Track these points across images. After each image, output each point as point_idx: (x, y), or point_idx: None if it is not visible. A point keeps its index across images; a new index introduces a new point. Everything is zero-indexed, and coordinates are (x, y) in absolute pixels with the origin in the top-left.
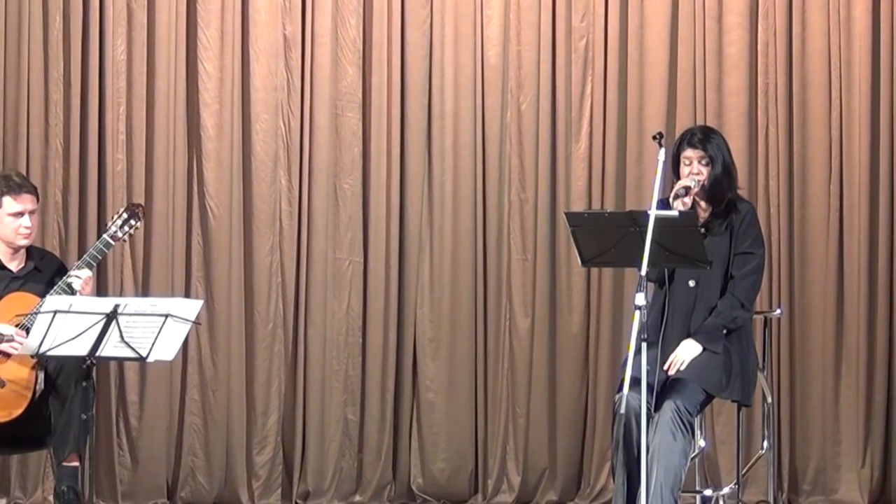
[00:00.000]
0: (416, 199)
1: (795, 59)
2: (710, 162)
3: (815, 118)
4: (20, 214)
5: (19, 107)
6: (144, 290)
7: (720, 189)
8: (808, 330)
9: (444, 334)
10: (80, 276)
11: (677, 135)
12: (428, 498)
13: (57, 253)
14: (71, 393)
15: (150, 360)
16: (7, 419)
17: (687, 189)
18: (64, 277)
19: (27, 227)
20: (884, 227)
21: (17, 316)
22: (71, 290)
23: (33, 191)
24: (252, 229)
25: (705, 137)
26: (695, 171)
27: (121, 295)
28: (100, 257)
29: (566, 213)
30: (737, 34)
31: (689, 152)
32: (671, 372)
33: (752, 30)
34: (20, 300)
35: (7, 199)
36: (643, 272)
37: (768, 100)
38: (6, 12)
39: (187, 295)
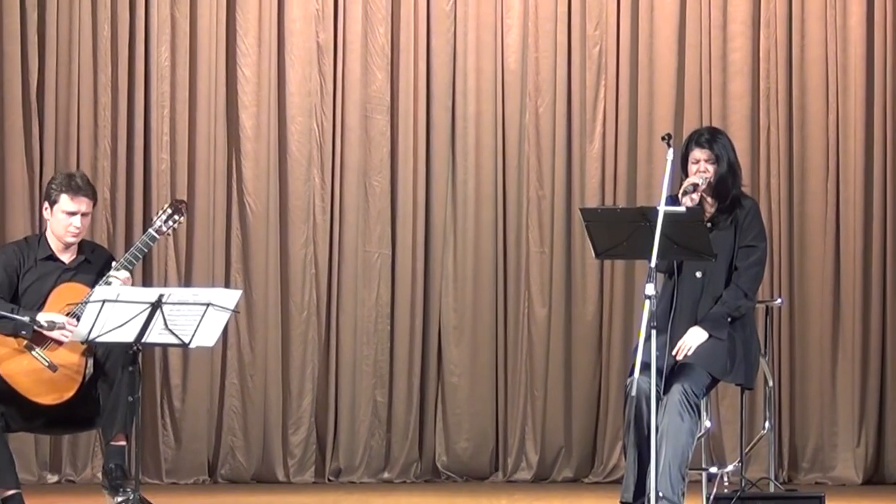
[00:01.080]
0: (441, 196)
1: (795, 65)
2: (717, 160)
3: (814, 120)
4: (73, 214)
5: (70, 109)
6: (187, 281)
7: (725, 186)
8: (806, 318)
9: (467, 322)
10: (119, 278)
11: (685, 136)
12: (452, 475)
13: (105, 246)
14: (118, 377)
15: (192, 346)
16: (59, 401)
17: (695, 186)
18: (105, 276)
19: (77, 228)
20: (878, 222)
21: (68, 305)
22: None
23: (91, 196)
24: (287, 223)
25: (712, 138)
26: (702, 169)
27: (165, 285)
28: (146, 250)
29: (581, 209)
30: (740, 42)
31: (696, 152)
32: (679, 357)
33: (754, 38)
34: (71, 290)
35: (64, 197)
36: (653, 264)
37: (769, 103)
38: (58, 21)
39: (227, 285)
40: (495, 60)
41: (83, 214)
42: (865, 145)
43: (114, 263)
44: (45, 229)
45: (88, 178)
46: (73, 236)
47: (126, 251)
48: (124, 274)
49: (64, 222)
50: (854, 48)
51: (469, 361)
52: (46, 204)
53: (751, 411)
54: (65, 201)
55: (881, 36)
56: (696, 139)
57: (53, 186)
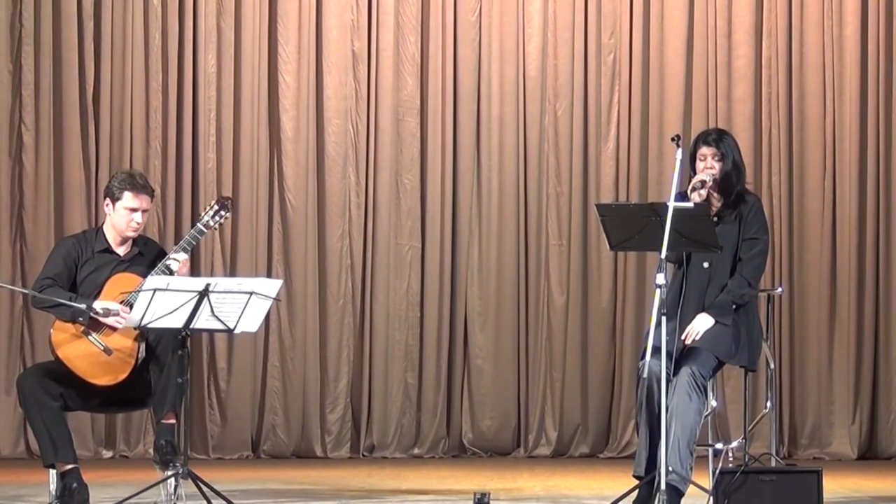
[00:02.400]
0: (467, 193)
1: (794, 72)
2: (722, 158)
3: (812, 123)
4: (134, 210)
5: (123, 112)
6: (232, 271)
7: (730, 182)
8: (805, 306)
9: (491, 309)
10: (178, 259)
11: (693, 137)
12: (477, 450)
13: (156, 239)
14: (168, 360)
15: (236, 331)
16: (113, 383)
17: (703, 182)
18: (163, 260)
19: (137, 223)
20: (871, 217)
21: (122, 293)
22: (170, 272)
23: (151, 193)
24: (325, 218)
25: (719, 137)
26: (709, 165)
27: (211, 275)
28: (194, 243)
29: (596, 205)
30: (744, 50)
31: (704, 150)
32: (688, 341)
33: (756, 46)
34: (125, 280)
35: (128, 195)
36: (663, 255)
37: (771, 106)
38: (112, 31)
39: (269, 275)
40: (517, 67)
41: (143, 210)
42: (860, 146)
43: (170, 254)
44: (103, 223)
45: (146, 177)
46: (134, 231)
47: (175, 244)
48: (183, 256)
49: (126, 218)
50: (849, 55)
51: (493, 346)
52: (108, 200)
53: (753, 392)
54: (127, 199)
55: (874, 44)
56: (704, 138)
57: (116, 185)
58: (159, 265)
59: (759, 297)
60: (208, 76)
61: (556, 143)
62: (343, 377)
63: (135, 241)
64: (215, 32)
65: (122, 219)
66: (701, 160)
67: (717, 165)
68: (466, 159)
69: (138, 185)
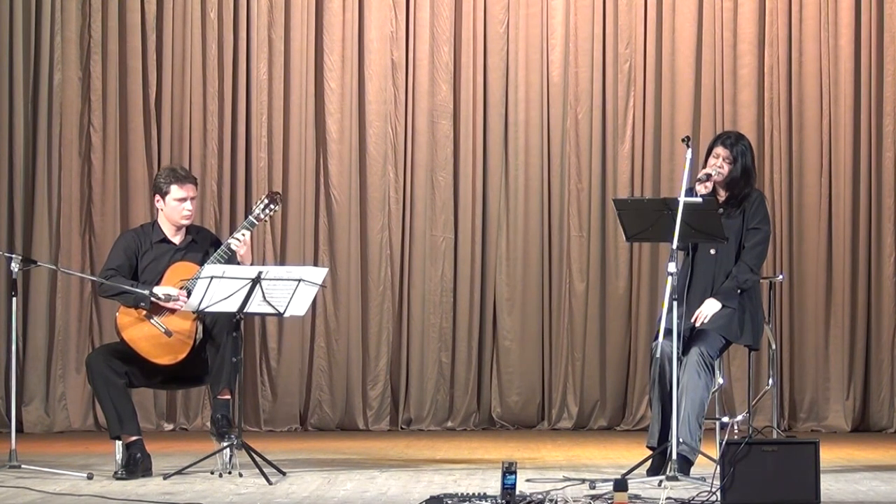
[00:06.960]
0: (496, 189)
1: (794, 79)
2: (733, 161)
3: (810, 125)
4: (184, 200)
5: (183, 115)
6: (282, 260)
7: (738, 186)
8: (804, 291)
9: (518, 295)
10: (239, 239)
11: (702, 138)
12: (505, 424)
13: (213, 231)
14: (224, 341)
15: (286, 315)
16: (173, 362)
17: (708, 175)
18: (225, 242)
19: (189, 211)
20: (863, 211)
21: (181, 280)
22: (230, 251)
23: (195, 182)
24: (366, 212)
25: (735, 141)
26: (718, 164)
27: (263, 264)
28: (246, 234)
29: (614, 200)
30: (748, 59)
31: (719, 149)
32: (697, 324)
33: (759, 55)
34: (183, 268)
35: (174, 187)
36: (674, 246)
37: (773, 111)
38: (173, 41)
39: (315, 264)
40: (541, 74)
41: (191, 198)
42: (853, 147)
43: (235, 233)
44: (157, 217)
45: (186, 168)
46: (187, 219)
47: (230, 235)
48: (243, 236)
49: (178, 208)
50: (844, 64)
51: (519, 328)
52: (157, 196)
53: (757, 370)
54: (175, 190)
55: (866, 54)
56: (723, 139)
57: (162, 180)
58: (221, 248)
59: (762, 283)
60: (260, 83)
61: (576, 144)
62: (383, 357)
63: (189, 230)
64: (266, 43)
65: (174, 210)
66: (714, 157)
67: (727, 166)
68: (495, 158)
69: (181, 176)
